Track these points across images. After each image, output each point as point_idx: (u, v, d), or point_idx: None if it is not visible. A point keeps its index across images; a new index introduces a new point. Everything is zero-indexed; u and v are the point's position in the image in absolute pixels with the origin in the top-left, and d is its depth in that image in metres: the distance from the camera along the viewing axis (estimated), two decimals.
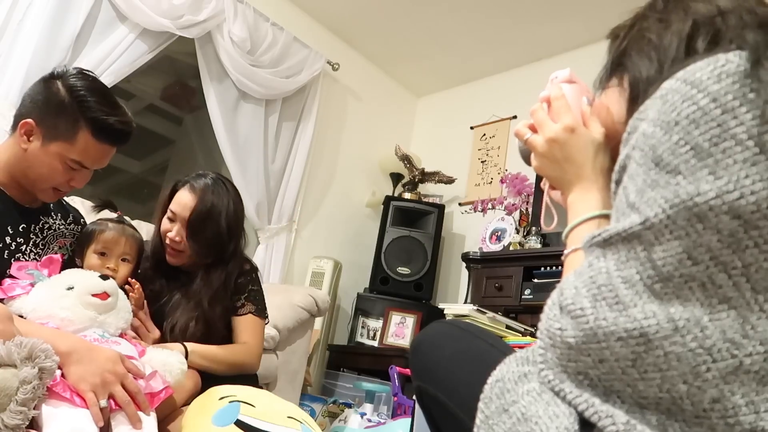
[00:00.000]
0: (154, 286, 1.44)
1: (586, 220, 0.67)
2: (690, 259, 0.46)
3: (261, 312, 1.52)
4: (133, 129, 1.23)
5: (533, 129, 0.77)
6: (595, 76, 0.78)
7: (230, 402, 1.01)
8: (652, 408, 0.48)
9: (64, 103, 1.15)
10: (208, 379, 1.27)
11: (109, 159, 1.25)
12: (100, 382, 0.94)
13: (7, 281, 1.12)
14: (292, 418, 1.03)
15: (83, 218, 1.43)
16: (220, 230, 1.42)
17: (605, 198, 0.68)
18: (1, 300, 1.09)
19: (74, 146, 1.15)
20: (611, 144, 0.72)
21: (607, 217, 0.66)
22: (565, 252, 0.69)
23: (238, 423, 0.96)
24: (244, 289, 1.49)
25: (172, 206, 1.43)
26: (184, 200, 1.42)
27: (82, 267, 1.26)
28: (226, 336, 1.44)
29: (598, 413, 0.50)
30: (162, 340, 1.34)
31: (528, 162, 0.81)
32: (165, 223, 1.44)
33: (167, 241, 1.42)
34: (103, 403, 0.92)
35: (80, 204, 2.00)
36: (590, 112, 0.74)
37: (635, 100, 0.61)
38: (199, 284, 1.41)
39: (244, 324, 1.46)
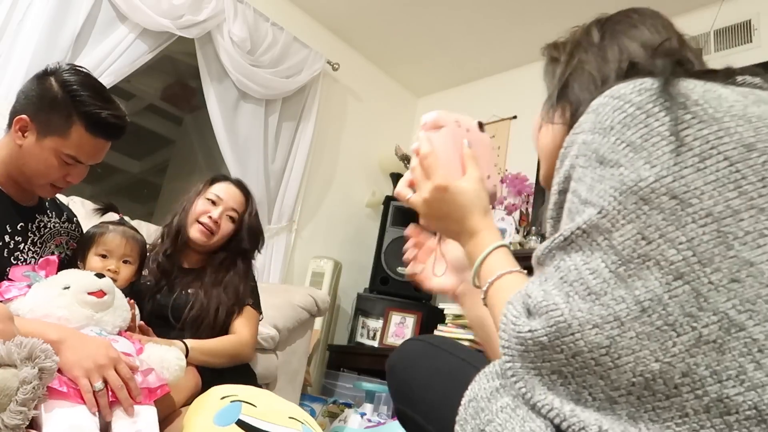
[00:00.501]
0: (165, 280, 1.51)
1: (487, 255, 0.71)
2: (644, 239, 0.52)
3: (257, 306, 1.60)
4: (126, 123, 1.23)
5: (414, 185, 0.79)
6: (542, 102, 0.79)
7: (232, 402, 1.01)
8: (623, 400, 0.51)
9: (57, 98, 1.15)
10: (209, 377, 1.28)
11: (103, 154, 1.24)
12: (94, 366, 0.94)
13: (4, 283, 1.12)
14: (293, 418, 1.03)
15: (76, 217, 1.44)
16: (259, 229, 1.65)
17: (495, 234, 0.73)
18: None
19: (68, 141, 1.16)
20: (546, 168, 0.77)
21: (506, 247, 0.72)
22: (484, 288, 0.70)
23: (240, 423, 0.96)
24: (246, 294, 1.58)
25: (217, 192, 1.58)
26: (232, 191, 1.60)
27: (84, 269, 1.26)
28: (225, 323, 1.52)
29: (571, 427, 0.52)
30: (177, 331, 1.41)
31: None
32: (204, 204, 1.56)
33: (204, 219, 1.54)
34: (98, 385, 0.93)
35: (80, 204, 2.00)
36: (468, 154, 0.76)
37: (562, 157, 0.65)
38: (220, 280, 1.52)
39: (242, 315, 1.54)
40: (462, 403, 0.63)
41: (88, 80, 1.20)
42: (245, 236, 1.60)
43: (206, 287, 1.49)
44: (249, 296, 1.57)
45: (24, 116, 1.16)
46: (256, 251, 1.67)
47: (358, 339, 2.94)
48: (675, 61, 0.67)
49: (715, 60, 2.53)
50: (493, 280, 0.68)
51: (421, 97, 3.90)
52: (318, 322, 2.75)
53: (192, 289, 1.49)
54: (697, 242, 0.51)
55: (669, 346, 0.50)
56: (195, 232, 1.53)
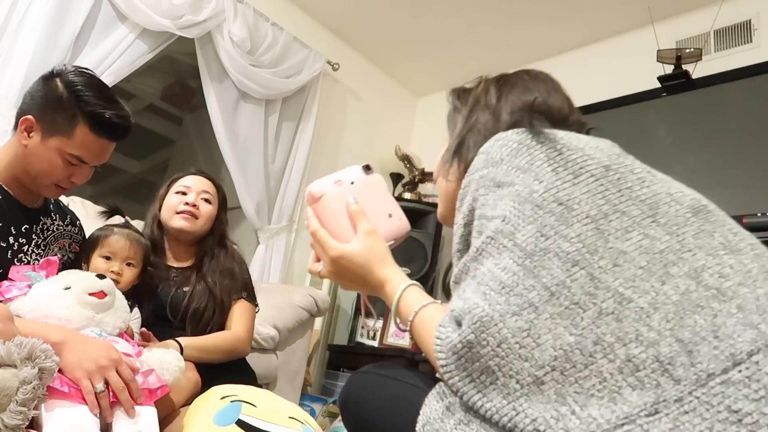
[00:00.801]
0: (157, 281, 1.50)
1: (400, 296, 0.76)
2: (543, 236, 0.62)
3: (252, 299, 1.60)
4: (131, 124, 1.23)
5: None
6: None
7: (231, 402, 1.01)
8: (549, 378, 0.56)
9: (62, 98, 1.16)
10: (208, 377, 1.28)
11: (108, 155, 1.25)
12: (95, 367, 0.94)
13: (5, 283, 1.12)
14: (293, 418, 1.03)
15: (78, 220, 1.44)
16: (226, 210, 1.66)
17: (400, 276, 0.79)
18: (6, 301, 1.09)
19: (72, 140, 1.16)
20: (444, 209, 0.88)
21: (415, 284, 0.78)
22: (407, 324, 0.74)
23: (240, 423, 0.96)
24: (244, 276, 1.60)
25: (184, 182, 1.59)
26: (197, 180, 1.60)
27: (88, 271, 1.26)
28: (225, 312, 1.53)
29: (506, 425, 0.57)
30: (175, 330, 1.41)
31: None
32: (176, 197, 1.56)
33: (182, 207, 1.54)
34: (100, 387, 0.93)
35: (81, 205, 2.00)
36: (356, 210, 0.82)
37: (462, 198, 0.75)
38: (211, 275, 1.52)
39: (237, 309, 1.54)
40: (417, 429, 0.65)
41: (92, 81, 1.21)
42: (224, 217, 1.63)
43: (201, 278, 1.50)
44: (242, 289, 1.57)
45: (29, 116, 1.17)
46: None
47: (358, 339, 2.94)
48: (547, 117, 0.80)
49: (715, 60, 2.54)
50: (413, 318, 0.73)
51: (421, 97, 3.90)
52: (318, 322, 2.75)
53: (187, 287, 1.49)
54: (583, 237, 0.62)
55: (578, 321, 0.58)
56: (178, 221, 1.53)
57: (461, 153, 0.83)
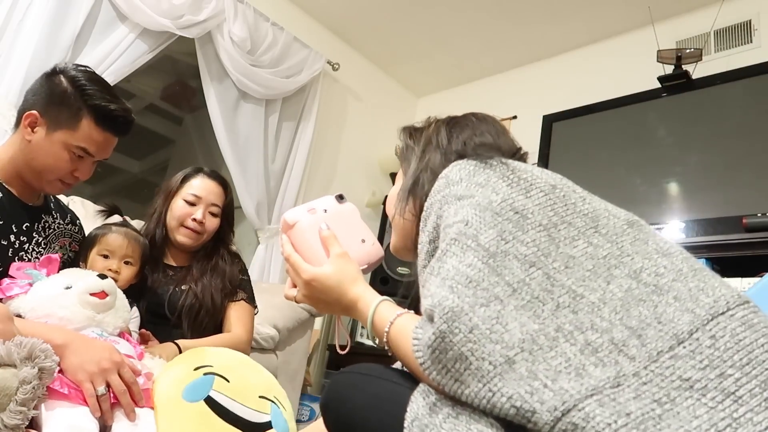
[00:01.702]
0: (155, 279, 1.49)
1: (374, 311, 0.79)
2: (503, 239, 0.68)
3: (251, 300, 1.59)
4: (133, 119, 1.26)
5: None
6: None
7: (205, 374, 1.00)
8: (519, 358, 0.60)
9: (67, 92, 1.18)
10: None
11: (111, 149, 1.26)
12: (97, 370, 0.94)
13: (6, 281, 1.12)
14: (263, 397, 1.03)
15: (78, 219, 1.44)
16: (233, 211, 1.64)
17: (371, 294, 0.82)
18: (0, 299, 1.09)
19: (77, 133, 1.18)
20: (399, 240, 0.94)
21: (387, 300, 0.82)
22: (384, 337, 0.77)
23: (208, 400, 0.96)
24: (236, 278, 1.57)
25: (194, 191, 1.53)
26: (209, 186, 1.55)
27: (86, 269, 1.26)
28: (221, 313, 1.52)
29: (486, 407, 0.60)
30: (172, 328, 1.41)
31: None
32: (183, 207, 1.52)
33: (189, 224, 1.51)
34: (101, 390, 0.93)
35: (81, 205, 2.00)
36: (328, 235, 0.86)
37: (425, 219, 0.81)
38: (208, 275, 1.51)
39: (235, 311, 1.53)
40: (405, 425, 0.66)
41: (95, 77, 1.24)
42: (226, 227, 1.60)
43: (196, 278, 1.49)
44: (241, 290, 1.56)
45: (33, 111, 1.18)
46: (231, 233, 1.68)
47: (358, 339, 2.94)
48: (496, 154, 0.86)
49: (715, 60, 2.54)
50: (388, 328, 0.76)
51: (421, 97, 3.90)
52: (318, 322, 2.75)
53: (185, 285, 1.48)
54: (538, 242, 0.70)
55: (540, 312, 0.64)
56: (182, 237, 1.51)
57: (416, 192, 0.88)
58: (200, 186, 1.54)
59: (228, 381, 1.00)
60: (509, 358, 0.60)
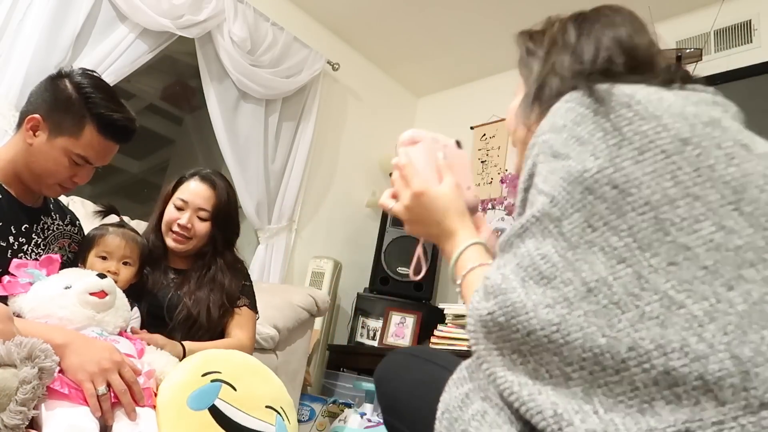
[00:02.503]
0: (157, 280, 1.48)
1: (462, 251, 0.75)
2: (590, 226, 0.57)
3: (253, 306, 1.57)
4: (136, 128, 1.26)
5: (396, 196, 0.84)
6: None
7: (212, 381, 1.00)
8: (576, 375, 0.53)
9: (72, 99, 1.18)
10: None
11: (111, 156, 1.27)
12: (98, 370, 0.94)
13: (6, 278, 1.13)
14: (270, 407, 1.02)
15: (78, 220, 1.44)
16: (236, 218, 1.59)
17: (471, 233, 0.77)
18: (5, 297, 1.10)
19: (79, 141, 1.18)
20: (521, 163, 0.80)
21: (480, 244, 0.76)
22: (458, 282, 0.74)
23: (213, 409, 0.96)
24: (235, 292, 1.54)
25: (182, 195, 1.52)
26: (197, 189, 1.53)
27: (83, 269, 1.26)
28: (220, 325, 1.49)
29: (529, 411, 0.55)
30: (170, 331, 1.39)
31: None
32: (172, 212, 1.51)
33: (175, 228, 1.49)
34: (102, 389, 0.93)
35: (80, 205, 2.00)
36: (443, 164, 0.81)
37: (527, 156, 0.70)
38: (205, 288, 1.47)
39: (238, 317, 1.51)
40: (437, 415, 0.65)
41: (100, 83, 1.24)
42: (220, 232, 1.54)
43: (192, 289, 1.46)
44: (244, 296, 1.54)
45: (36, 115, 1.18)
46: (235, 240, 1.62)
47: (358, 339, 2.94)
48: (630, 58, 0.71)
49: (715, 60, 2.54)
50: (465, 274, 0.72)
51: (421, 97, 3.90)
52: (318, 322, 2.75)
53: (182, 290, 1.47)
54: (637, 229, 0.55)
55: (615, 322, 0.53)
56: (171, 242, 1.50)
57: (542, 97, 0.75)
58: (189, 190, 1.53)
59: (235, 389, 1.00)
60: (566, 374, 0.54)
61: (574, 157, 0.59)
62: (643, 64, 0.71)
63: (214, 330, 1.46)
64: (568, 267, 0.56)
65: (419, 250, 0.88)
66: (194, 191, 1.52)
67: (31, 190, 1.26)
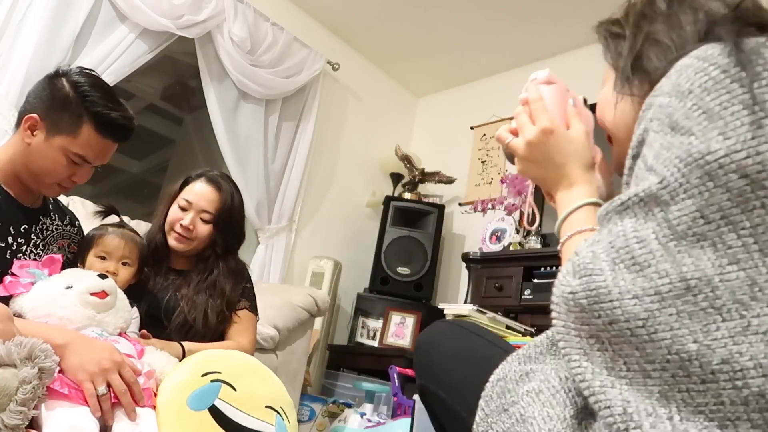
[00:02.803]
0: (156, 281, 1.49)
1: (577, 208, 0.69)
2: (703, 217, 0.48)
3: (253, 308, 1.57)
4: (134, 126, 1.25)
5: (515, 132, 0.78)
6: (602, 76, 0.78)
7: (212, 381, 1.00)
8: (657, 375, 0.48)
9: (69, 98, 1.17)
10: None
11: (110, 155, 1.26)
12: (98, 370, 0.94)
13: (8, 278, 1.13)
14: (270, 407, 1.02)
15: (78, 221, 1.44)
16: (240, 223, 1.59)
17: (591, 190, 0.71)
18: (8, 297, 1.10)
19: (77, 140, 1.18)
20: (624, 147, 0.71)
21: (597, 204, 0.69)
22: (561, 240, 0.69)
23: (213, 409, 0.96)
24: (235, 298, 1.53)
25: (187, 196, 1.52)
26: (202, 191, 1.52)
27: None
28: (218, 330, 1.49)
29: (598, 403, 0.51)
30: (168, 331, 1.39)
31: (513, 163, 0.82)
32: (176, 212, 1.51)
33: (177, 228, 1.49)
34: (102, 389, 0.93)
35: (81, 205, 2.00)
36: (573, 111, 0.76)
37: (640, 118, 0.62)
38: (204, 294, 1.46)
39: (239, 320, 1.51)
40: (490, 380, 0.63)
41: (98, 82, 1.23)
42: (221, 235, 1.53)
43: (191, 293, 1.45)
44: (244, 299, 1.53)
45: (34, 115, 1.18)
46: (239, 245, 1.61)
47: (358, 339, 2.94)
48: (755, 21, 0.61)
49: None
50: (571, 235, 0.67)
51: (421, 97, 3.90)
52: (318, 322, 2.75)
53: (180, 293, 1.46)
54: (762, 230, 0.47)
55: (711, 329, 0.47)
56: (173, 241, 1.50)
57: (643, 66, 0.67)
58: (194, 191, 1.53)
59: (235, 389, 1.00)
60: (645, 371, 0.49)
61: (698, 134, 0.50)
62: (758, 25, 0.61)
63: (212, 335, 1.45)
64: (668, 257, 0.49)
65: (530, 199, 0.84)
66: (199, 193, 1.52)
67: (30, 189, 1.25)
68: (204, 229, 1.51)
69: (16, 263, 1.15)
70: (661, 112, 0.54)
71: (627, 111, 0.72)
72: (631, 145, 0.59)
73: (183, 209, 1.51)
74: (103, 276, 1.15)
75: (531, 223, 0.84)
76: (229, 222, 1.54)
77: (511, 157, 0.81)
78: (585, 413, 0.54)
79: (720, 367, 0.46)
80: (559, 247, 0.69)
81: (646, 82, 0.67)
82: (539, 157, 0.74)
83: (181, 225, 1.49)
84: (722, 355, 0.46)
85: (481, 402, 0.62)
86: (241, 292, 1.54)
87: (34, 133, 1.18)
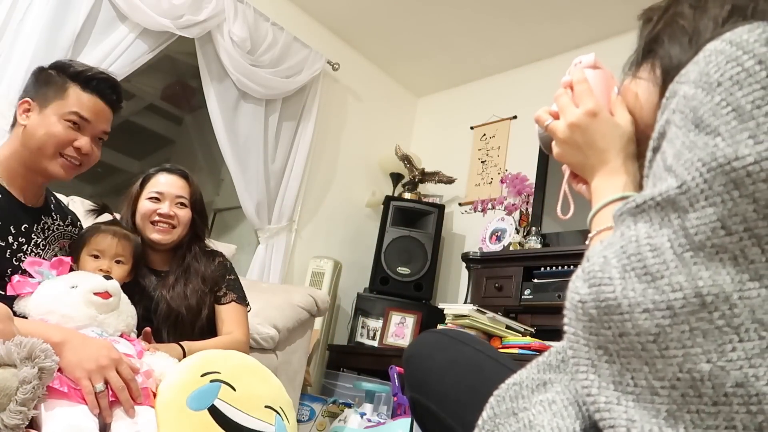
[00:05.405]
0: (141, 284, 1.47)
1: (612, 201, 0.65)
2: (724, 228, 0.44)
3: (242, 300, 1.57)
4: (117, 81, 1.33)
5: (555, 116, 0.75)
6: (624, 61, 0.75)
7: (211, 381, 1.00)
8: (665, 393, 0.46)
9: (51, 74, 1.26)
10: None
11: (105, 119, 1.29)
12: (96, 367, 0.95)
13: (16, 278, 1.14)
14: (269, 407, 1.02)
15: (79, 221, 1.44)
16: (205, 208, 1.62)
17: (631, 182, 0.67)
18: (12, 297, 1.10)
19: (67, 101, 1.23)
20: (638, 132, 0.70)
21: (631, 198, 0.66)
22: (590, 235, 0.66)
23: (212, 409, 0.96)
24: (222, 278, 1.55)
25: (155, 188, 1.52)
26: (170, 181, 1.55)
27: (77, 270, 1.26)
28: (205, 324, 1.49)
29: (602, 421, 0.49)
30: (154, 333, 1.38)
31: (548, 149, 0.79)
32: (148, 206, 1.50)
33: (156, 218, 1.49)
34: (99, 386, 0.93)
35: (80, 204, 2.00)
36: (618, 99, 0.72)
37: (666, 85, 0.58)
38: (182, 281, 1.47)
39: (228, 313, 1.51)
40: (506, 382, 0.62)
41: (76, 60, 1.34)
42: (200, 216, 1.57)
43: (170, 285, 1.46)
44: (231, 291, 1.53)
45: (26, 98, 1.25)
46: (207, 230, 1.65)
47: (358, 339, 2.94)
48: None
49: None
50: (600, 230, 0.64)
51: (421, 97, 3.90)
52: (318, 322, 2.75)
53: (163, 291, 1.46)
54: None
55: (727, 349, 0.43)
56: (155, 234, 1.48)
57: (655, 51, 0.64)
58: (160, 183, 1.54)
59: (234, 389, 1.00)
60: (653, 388, 0.46)
61: (725, 135, 0.45)
62: None
63: (197, 319, 1.45)
64: (682, 269, 0.45)
65: (565, 186, 0.79)
66: (167, 183, 1.54)
67: (36, 181, 1.26)
68: (184, 214, 1.52)
69: (28, 260, 1.17)
70: (686, 104, 0.49)
71: (630, 95, 0.71)
72: (654, 133, 0.55)
73: (156, 200, 1.51)
74: (108, 277, 1.16)
75: (565, 212, 0.80)
76: (203, 205, 1.59)
77: (547, 141, 0.78)
78: (595, 430, 0.52)
79: (734, 390, 0.43)
80: (587, 242, 0.66)
81: (657, 68, 0.64)
82: (580, 141, 0.70)
83: (160, 214, 1.48)
84: (737, 378, 0.43)
85: (492, 400, 0.61)
86: (226, 285, 1.54)
87: (29, 115, 1.23)
